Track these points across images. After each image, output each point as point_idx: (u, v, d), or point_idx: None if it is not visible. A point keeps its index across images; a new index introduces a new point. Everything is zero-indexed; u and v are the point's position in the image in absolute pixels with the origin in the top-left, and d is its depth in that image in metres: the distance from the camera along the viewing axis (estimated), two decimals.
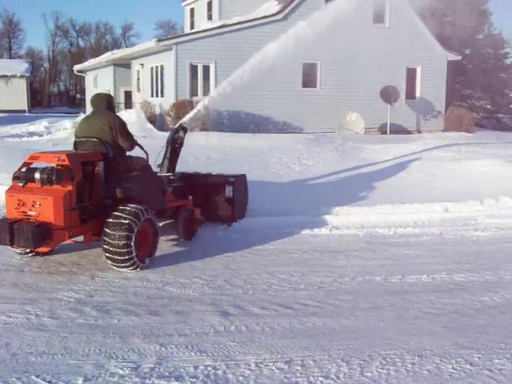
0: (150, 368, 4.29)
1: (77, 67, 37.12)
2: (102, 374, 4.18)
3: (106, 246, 6.68)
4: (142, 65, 25.15)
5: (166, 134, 19.30)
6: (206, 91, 21.96)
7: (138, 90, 26.09)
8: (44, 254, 7.35)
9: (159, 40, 21.82)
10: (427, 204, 10.13)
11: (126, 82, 28.73)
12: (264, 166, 13.78)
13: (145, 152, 7.82)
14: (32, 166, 6.87)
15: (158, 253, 7.37)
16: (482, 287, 6.42)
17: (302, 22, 10.57)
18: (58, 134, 22.29)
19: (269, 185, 11.65)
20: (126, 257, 6.66)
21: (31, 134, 21.33)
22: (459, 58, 27.10)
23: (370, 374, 4.26)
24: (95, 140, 7.13)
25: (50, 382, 4.06)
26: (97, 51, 74.21)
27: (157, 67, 23.46)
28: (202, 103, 9.81)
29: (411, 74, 25.78)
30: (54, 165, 6.64)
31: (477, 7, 33.07)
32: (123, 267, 6.79)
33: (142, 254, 6.91)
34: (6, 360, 4.40)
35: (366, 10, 23.61)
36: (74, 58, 77.98)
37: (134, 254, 6.70)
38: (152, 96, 23.86)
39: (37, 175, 6.50)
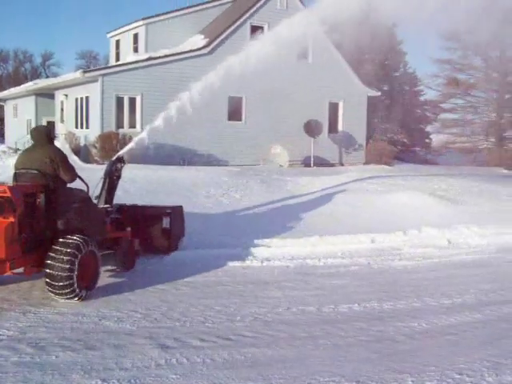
0: None
1: None
2: None
3: (48, 277, 6.70)
4: (66, 95, 24.76)
5: (91, 166, 19.11)
6: (133, 123, 21.94)
7: (62, 120, 25.61)
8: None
9: (85, 71, 21.67)
10: (354, 235, 10.51)
11: (48, 113, 28.09)
12: (192, 198, 13.81)
13: (85, 184, 7.85)
14: None
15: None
16: (410, 314, 6.72)
17: (230, 56, 10.76)
18: None
19: (198, 217, 11.68)
20: (68, 287, 6.70)
21: None
22: (378, 93, 28.36)
23: None
24: (35, 172, 7.15)
25: None
26: (15, 79, 72.28)
27: (82, 98, 23.17)
28: (139, 136, 9.79)
29: (333, 109, 26.71)
30: None
31: (392, 47, 34.74)
32: (65, 297, 6.80)
33: (84, 284, 6.96)
34: None
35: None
36: None
37: (76, 284, 6.74)
38: (77, 127, 23.50)
39: None
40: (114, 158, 9.13)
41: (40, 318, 6.30)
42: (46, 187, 7.10)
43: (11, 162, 20.56)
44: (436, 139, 35.59)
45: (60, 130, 25.57)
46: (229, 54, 23.33)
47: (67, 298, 6.83)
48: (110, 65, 23.61)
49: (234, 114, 24.11)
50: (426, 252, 10.09)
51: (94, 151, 20.48)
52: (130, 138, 20.35)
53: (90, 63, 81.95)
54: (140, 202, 10.63)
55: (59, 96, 25.87)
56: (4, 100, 35.20)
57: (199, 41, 24.13)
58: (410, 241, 10.57)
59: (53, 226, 7.03)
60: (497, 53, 27.67)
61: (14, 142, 29.67)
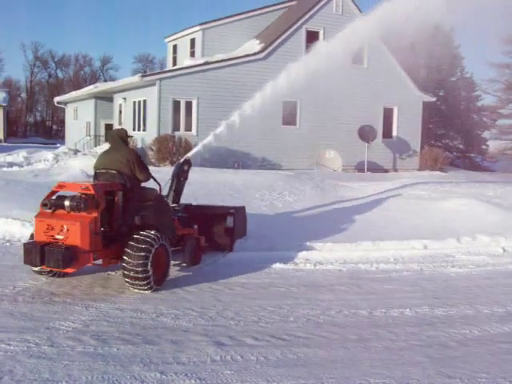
0: None
1: (57, 99, 37.32)
2: None
3: (125, 268, 7.30)
4: (124, 99, 25.49)
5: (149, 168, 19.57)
6: (188, 126, 22.39)
7: (120, 123, 26.35)
8: (61, 275, 7.89)
9: (143, 75, 22.27)
10: (406, 241, 10.50)
11: (106, 115, 29.01)
12: (247, 201, 14.02)
13: (157, 183, 8.51)
14: (59, 194, 7.57)
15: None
16: (462, 321, 6.74)
17: (292, 64, 10.99)
18: (38, 164, 22.44)
19: (253, 220, 11.86)
20: (143, 279, 7.28)
21: (10, 164, 21.40)
22: (434, 99, 28.03)
23: None
24: (114, 172, 7.82)
25: None
26: (75, 83, 74.63)
27: (139, 102, 23.82)
28: (205, 140, 10.24)
29: (388, 114, 26.56)
30: (78, 194, 7.35)
31: (450, 51, 34.20)
32: (140, 288, 7.40)
33: (157, 276, 7.48)
34: None
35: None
36: (52, 89, 78.31)
37: (150, 276, 7.31)
38: (134, 130, 24.14)
39: (66, 203, 7.22)
40: (182, 160, 9.72)
41: (101, 313, 6.61)
42: (124, 186, 7.75)
43: (72, 163, 21.38)
44: (493, 145, 34.80)
45: None
46: (284, 59, 23.75)
47: (141, 289, 7.41)
48: (166, 69, 24.10)
49: (289, 118, 24.29)
50: (479, 260, 10.01)
51: (150, 153, 21.01)
52: (186, 141, 20.91)
53: (147, 67, 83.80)
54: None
55: (118, 99, 26.65)
56: (65, 103, 36.45)
57: (255, 46, 24.43)
58: (463, 248, 10.50)
59: (129, 221, 7.66)
60: None
61: (73, 143, 30.70)
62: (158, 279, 7.54)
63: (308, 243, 10.27)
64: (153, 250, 7.33)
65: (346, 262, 9.67)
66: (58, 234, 7.17)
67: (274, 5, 27.11)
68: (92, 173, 8.45)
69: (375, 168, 25.49)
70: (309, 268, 9.27)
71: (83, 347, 5.49)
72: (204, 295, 7.54)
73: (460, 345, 5.93)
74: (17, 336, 5.68)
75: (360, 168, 25.23)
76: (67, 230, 7.13)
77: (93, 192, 7.28)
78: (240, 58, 23.07)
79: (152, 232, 7.49)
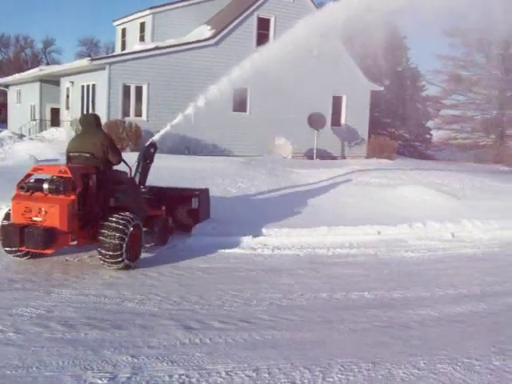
0: (126, 378, 4.50)
1: None
2: (85, 382, 4.35)
3: (102, 247, 7.60)
4: (72, 82, 24.91)
5: None
6: (138, 112, 22.13)
7: (67, 107, 25.78)
8: (35, 256, 8.02)
9: (92, 59, 21.88)
10: (360, 226, 10.78)
11: (52, 99, 28.25)
12: (200, 187, 14.03)
13: (128, 166, 8.78)
14: (34, 176, 7.82)
15: (105, 270, 7.77)
16: (419, 303, 7.01)
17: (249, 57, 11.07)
18: None
19: None
20: (119, 257, 7.61)
21: None
22: (381, 88, 28.60)
23: (331, 379, 4.66)
24: (87, 155, 7.98)
25: None
26: (16, 65, 72.21)
27: (88, 86, 23.35)
28: (173, 122, 10.36)
29: (337, 102, 26.93)
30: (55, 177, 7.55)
31: (396, 41, 34.85)
32: (115, 266, 7.72)
33: (131, 255, 7.85)
34: None
35: None
36: None
37: (125, 255, 7.65)
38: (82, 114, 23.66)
39: (45, 185, 7.48)
40: (148, 143, 9.81)
41: (64, 299, 6.55)
42: (97, 169, 7.99)
43: (18, 147, 20.80)
44: (436, 135, 35.85)
45: (65, 116, 25.77)
46: (235, 45, 23.72)
47: (117, 267, 7.74)
48: (116, 53, 23.69)
49: (239, 105, 24.27)
50: (430, 244, 10.38)
51: None
52: (136, 127, 20.68)
53: (91, 51, 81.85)
54: None
55: (65, 83, 26.01)
56: (6, 86, 35.28)
57: (205, 31, 24.29)
58: (414, 233, 10.85)
59: (104, 203, 7.96)
60: (500, 50, 27.87)
61: (18, 127, 29.81)
62: (132, 258, 7.87)
63: (265, 229, 10.40)
64: (128, 231, 7.65)
65: (303, 246, 9.85)
66: (36, 216, 7.37)
67: None
68: (43, 158, 8.49)
69: (324, 155, 25.81)
70: (267, 253, 9.40)
71: (50, 333, 5.44)
72: (166, 280, 7.57)
73: (419, 325, 6.17)
74: None
75: (309, 155, 25.50)
76: (45, 212, 7.33)
77: (70, 175, 7.50)
78: (191, 44, 22.91)
79: (127, 213, 7.82)
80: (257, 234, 10.13)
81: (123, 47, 27.64)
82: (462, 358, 5.23)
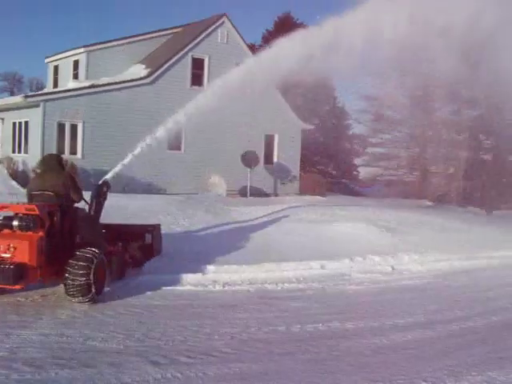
0: None
1: None
2: None
3: (67, 283, 7.84)
4: (2, 119, 24.42)
5: None
6: (74, 150, 21.94)
7: None
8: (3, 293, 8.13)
9: (27, 96, 21.59)
10: (305, 262, 11.17)
11: None
12: None
13: (87, 203, 9.10)
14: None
15: (61, 309, 7.80)
16: (370, 332, 7.40)
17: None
18: None
19: None
20: (86, 292, 7.86)
21: None
22: (312, 127, 29.57)
23: None
24: (51, 193, 8.23)
25: None
26: None
27: (20, 123, 22.95)
28: (123, 162, 10.40)
29: (269, 141, 27.61)
30: (21, 214, 7.79)
31: (322, 81, 36.25)
32: (82, 299, 7.92)
33: (97, 289, 8.11)
34: None
35: None
36: None
37: (93, 288, 7.91)
38: (14, 152, 23.21)
39: (15, 222, 7.77)
40: (100, 182, 9.85)
41: (25, 339, 6.49)
42: (60, 206, 8.29)
43: None
44: (363, 171, 37.16)
45: None
46: (170, 84, 24.03)
47: (83, 301, 7.95)
48: (50, 91, 23.50)
49: (174, 143, 24.46)
50: (372, 277, 10.88)
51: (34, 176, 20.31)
52: (72, 165, 20.47)
53: (14, 86, 79.87)
54: None
55: None
56: None
57: (141, 70, 24.50)
58: (356, 267, 11.34)
59: (69, 240, 8.30)
60: (420, 92, 29.46)
61: None
62: (98, 291, 8.14)
63: (213, 265, 10.61)
64: (94, 265, 7.94)
65: (252, 282, 10.10)
66: (5, 252, 7.59)
67: (160, 30, 27.35)
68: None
69: (257, 193, 26.26)
70: (218, 289, 9.60)
71: (19, 374, 5.41)
72: (124, 317, 7.62)
73: (374, 353, 6.55)
74: None
75: (243, 193, 25.87)
76: (14, 249, 7.56)
77: (38, 212, 7.79)
78: (127, 82, 23.06)
79: (92, 249, 8.11)
80: (206, 270, 10.32)
81: (55, 84, 27.39)
82: (420, 380, 5.64)
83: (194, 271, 10.20)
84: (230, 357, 6.21)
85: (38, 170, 9.15)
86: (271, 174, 27.63)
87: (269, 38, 38.30)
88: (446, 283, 10.92)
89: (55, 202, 8.30)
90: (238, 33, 26.07)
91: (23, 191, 19.14)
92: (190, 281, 9.79)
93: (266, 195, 26.79)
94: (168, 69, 24.05)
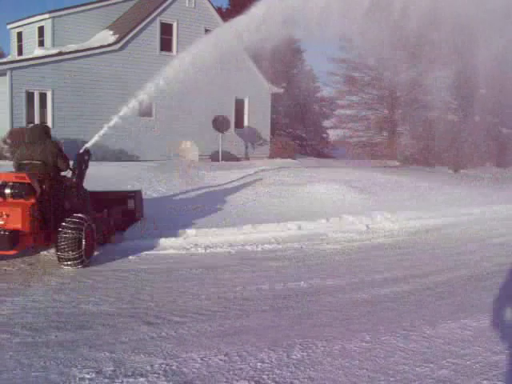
0: (112, 370, 4.84)
1: None
2: (71, 381, 4.64)
3: (60, 248, 8.16)
4: None
5: (4, 163, 18.87)
6: (43, 119, 21.71)
7: None
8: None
9: None
10: (283, 223, 11.48)
11: None
12: None
13: (73, 172, 9.33)
14: None
15: (50, 276, 7.97)
16: (351, 288, 7.77)
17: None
18: None
19: None
20: (77, 257, 8.22)
21: None
22: (281, 90, 29.69)
23: (294, 356, 5.26)
24: (39, 163, 8.49)
25: None
26: None
27: None
28: (101, 131, 10.48)
29: (240, 105, 27.68)
30: (11, 183, 8.08)
31: (290, 44, 36.21)
32: (74, 264, 8.27)
33: (87, 252, 8.46)
34: None
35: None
36: None
37: (84, 252, 8.27)
38: None
39: (7, 190, 8.10)
40: (82, 150, 9.92)
41: (19, 306, 6.64)
42: (49, 175, 8.59)
43: None
44: (332, 134, 37.54)
45: None
46: (139, 50, 23.84)
47: (74, 265, 8.29)
48: (17, 58, 23.03)
49: (144, 109, 24.31)
50: (348, 236, 11.26)
51: (4, 147, 20.13)
52: None
53: None
54: None
55: None
56: None
57: (108, 36, 24.19)
58: (332, 227, 11.70)
59: (59, 206, 8.61)
60: (387, 54, 29.70)
61: None
62: (87, 255, 8.48)
63: (194, 229, 10.83)
64: (84, 230, 8.27)
65: (232, 244, 10.38)
66: None
67: None
68: None
69: (228, 157, 26.45)
70: (200, 252, 9.85)
71: (20, 338, 5.60)
72: (112, 282, 7.81)
73: (356, 306, 6.92)
74: None
75: (215, 157, 26.01)
76: (7, 216, 7.88)
77: (29, 181, 8.11)
78: (95, 49, 22.78)
79: (81, 214, 8.46)
80: (187, 234, 10.55)
81: (20, 52, 26.85)
82: (400, 330, 6.04)
83: (175, 235, 10.43)
84: (220, 314, 6.50)
85: (26, 140, 9.21)
86: (242, 138, 27.79)
87: (235, 2, 38.00)
88: (419, 240, 11.38)
89: (43, 171, 8.54)
90: None
91: None
92: (172, 244, 10.02)
93: (237, 159, 26.98)
94: (136, 35, 23.82)
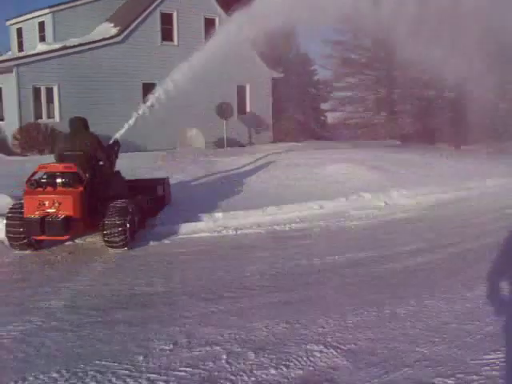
0: (187, 342, 5.24)
1: None
2: (152, 352, 5.03)
3: (107, 231, 8.70)
4: None
5: (12, 158, 19.14)
6: (51, 113, 21.97)
7: None
8: (37, 249, 8.95)
9: None
10: (304, 203, 11.87)
11: None
12: None
13: (109, 161, 9.84)
14: (39, 174, 8.89)
15: (93, 263, 8.34)
16: (384, 259, 8.20)
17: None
18: None
19: None
20: (123, 239, 8.76)
21: None
22: (282, 75, 29.95)
23: (350, 321, 5.68)
24: (80, 153, 8.96)
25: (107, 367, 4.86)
26: None
27: None
28: (129, 121, 10.91)
29: (241, 91, 27.95)
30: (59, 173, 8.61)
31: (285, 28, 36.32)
32: (120, 247, 8.83)
33: (131, 237, 9.01)
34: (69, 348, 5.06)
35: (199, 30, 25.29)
36: None
37: (128, 236, 8.82)
38: None
39: (59, 180, 8.58)
40: (111, 141, 10.40)
41: (76, 290, 6.98)
42: (89, 165, 9.10)
43: None
44: (330, 116, 37.88)
45: None
46: (141, 41, 24.02)
47: (121, 247, 8.85)
48: (22, 55, 23.17)
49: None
50: (368, 213, 11.67)
51: (15, 143, 20.42)
52: (52, 130, 20.61)
53: None
54: None
55: None
56: None
57: (109, 29, 24.38)
58: (352, 205, 12.09)
59: (103, 193, 9.10)
60: (383, 35, 29.93)
61: None
62: (132, 239, 9.05)
63: (221, 213, 11.19)
64: (128, 215, 8.85)
65: (260, 225, 10.75)
66: (50, 208, 8.40)
67: None
68: None
69: (233, 143, 26.69)
70: (232, 234, 10.21)
71: (90, 318, 5.97)
72: (155, 265, 8.16)
73: (393, 275, 7.38)
74: (17, 319, 5.91)
75: (220, 144, 26.25)
76: (59, 203, 8.39)
77: (76, 170, 8.64)
78: (98, 42, 22.98)
79: (125, 201, 9.02)
80: (215, 218, 10.91)
81: (20, 47, 27.00)
82: (440, 294, 6.48)
83: (204, 219, 10.78)
84: (269, 289, 6.90)
85: (65, 133, 9.67)
86: (245, 124, 28.07)
87: None
88: (436, 214, 11.84)
89: (84, 161, 8.98)
90: None
91: (7, 158, 19.32)
92: (202, 228, 10.38)
93: (242, 145, 27.26)
94: (138, 26, 24.02)
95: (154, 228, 10.30)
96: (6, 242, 9.15)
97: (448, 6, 12.86)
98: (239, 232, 10.31)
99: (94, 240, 9.55)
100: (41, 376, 4.56)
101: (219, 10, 26.11)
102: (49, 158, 17.46)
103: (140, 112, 11.16)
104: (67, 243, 9.39)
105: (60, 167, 8.80)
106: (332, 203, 12.04)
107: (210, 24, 26.03)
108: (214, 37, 12.35)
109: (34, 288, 7.15)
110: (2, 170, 15.65)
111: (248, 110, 28.40)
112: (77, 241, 9.59)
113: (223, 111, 26.06)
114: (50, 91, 21.90)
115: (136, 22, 23.86)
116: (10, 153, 20.43)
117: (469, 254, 8.48)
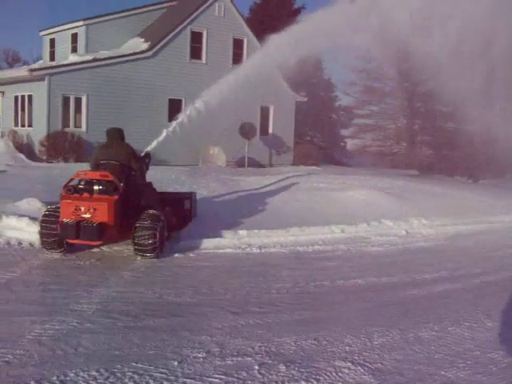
0: (219, 351, 5.42)
1: None
2: (186, 359, 5.20)
3: (137, 241, 8.94)
4: (2, 92, 24.68)
5: (38, 164, 19.53)
6: (78, 123, 22.42)
7: None
8: (68, 251, 9.23)
9: (32, 70, 21.88)
10: (327, 226, 12.06)
11: None
12: None
13: (142, 172, 10.15)
14: (75, 181, 9.25)
15: (122, 271, 8.53)
16: (405, 285, 8.38)
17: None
18: None
19: None
20: (153, 248, 9.00)
21: None
22: (305, 99, 30.31)
23: (376, 342, 5.83)
24: (116, 163, 9.27)
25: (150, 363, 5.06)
26: None
27: (23, 96, 23.28)
28: (162, 136, 11.21)
29: (265, 112, 28.33)
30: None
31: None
32: (149, 255, 9.07)
33: (160, 247, 9.23)
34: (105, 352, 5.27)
35: (227, 49, 25.77)
36: None
37: (158, 245, 9.05)
38: (16, 125, 23.57)
39: (96, 187, 8.97)
40: (143, 154, 10.64)
41: (106, 296, 7.18)
42: (124, 174, 9.39)
43: None
44: (350, 143, 38.11)
45: None
46: (170, 57, 24.53)
47: (150, 255, 9.08)
48: (54, 64, 23.69)
49: (174, 115, 24.93)
50: (389, 240, 11.85)
51: (41, 149, 20.86)
52: (79, 138, 21.05)
53: (13, 59, 78.32)
54: None
55: None
56: None
57: (140, 44, 24.92)
58: (373, 231, 12.28)
59: (135, 202, 9.45)
60: (408, 65, 30.26)
61: None
62: (161, 249, 9.29)
63: (245, 230, 11.40)
64: (159, 225, 9.04)
65: (283, 245, 10.96)
66: (85, 213, 8.74)
67: (155, 4, 27.73)
68: None
69: (254, 163, 27.06)
70: (255, 251, 10.42)
71: (122, 323, 6.15)
72: (182, 276, 8.42)
73: (416, 301, 7.53)
74: (53, 319, 6.10)
75: (240, 163, 26.62)
76: (94, 210, 8.71)
77: (112, 178, 8.98)
78: (129, 56, 23.52)
79: (156, 211, 9.27)
80: (239, 235, 11.12)
81: (52, 58, 27.61)
82: (464, 322, 6.63)
83: (229, 236, 11.00)
84: (295, 306, 7.08)
85: (102, 143, 9.98)
86: (266, 145, 28.41)
87: (256, 10, 38.72)
88: (457, 244, 12.00)
89: (119, 170, 9.29)
90: (234, 6, 26.58)
91: (32, 164, 19.75)
92: (227, 244, 10.60)
93: (262, 166, 27.58)
94: (168, 42, 24.56)
95: (179, 241, 10.52)
96: (36, 245, 9.45)
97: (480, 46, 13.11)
98: (263, 250, 10.52)
99: (121, 249, 9.80)
100: (81, 373, 4.75)
101: (248, 31, 26.59)
102: (75, 166, 17.98)
103: (171, 129, 11.43)
104: (94, 250, 9.63)
105: (97, 175, 9.14)
106: (354, 228, 12.23)
107: (238, 44, 26.58)
108: (251, 60, 12.66)
109: (65, 291, 7.36)
110: (29, 175, 16.04)
111: (270, 131, 28.74)
112: (104, 248, 9.84)
113: (246, 131, 26.44)
114: (78, 101, 22.39)
115: (167, 39, 24.40)
116: (35, 159, 20.88)
117: (489, 285, 8.62)
